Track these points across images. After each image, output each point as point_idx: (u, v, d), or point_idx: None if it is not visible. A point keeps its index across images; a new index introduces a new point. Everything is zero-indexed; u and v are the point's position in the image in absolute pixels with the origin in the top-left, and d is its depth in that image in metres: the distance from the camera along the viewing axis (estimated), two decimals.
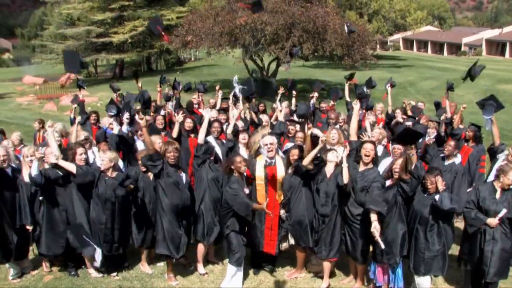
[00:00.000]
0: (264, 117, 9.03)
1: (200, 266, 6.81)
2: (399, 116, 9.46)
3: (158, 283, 6.53)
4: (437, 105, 10.34)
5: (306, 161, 6.06)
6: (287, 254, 7.04)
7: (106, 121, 8.68)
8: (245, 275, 6.58)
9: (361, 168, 6.00)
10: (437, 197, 5.45)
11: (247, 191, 6.24)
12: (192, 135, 8.12)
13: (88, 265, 6.66)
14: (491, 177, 6.85)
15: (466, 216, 5.82)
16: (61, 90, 28.24)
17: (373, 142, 6.17)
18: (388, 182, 5.97)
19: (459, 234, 6.79)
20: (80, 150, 6.46)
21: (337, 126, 8.29)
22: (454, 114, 9.20)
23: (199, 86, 11.51)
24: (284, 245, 6.68)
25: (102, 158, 6.41)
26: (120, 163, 7.54)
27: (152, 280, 6.60)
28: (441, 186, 5.51)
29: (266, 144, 6.37)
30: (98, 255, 6.48)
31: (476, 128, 8.31)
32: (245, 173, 6.33)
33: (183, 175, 6.38)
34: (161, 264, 6.98)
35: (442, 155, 7.56)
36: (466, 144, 8.34)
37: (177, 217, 6.21)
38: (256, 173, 6.40)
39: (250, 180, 6.49)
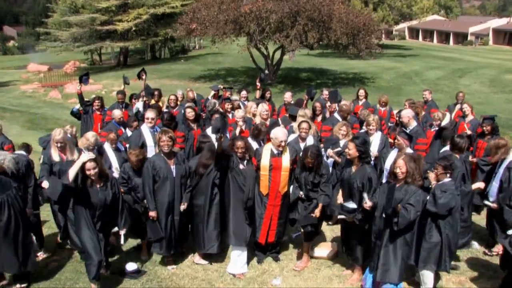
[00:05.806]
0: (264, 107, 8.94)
1: (200, 260, 6.75)
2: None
3: (162, 271, 6.55)
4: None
5: None
6: (292, 243, 7.09)
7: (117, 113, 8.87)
8: (249, 264, 6.59)
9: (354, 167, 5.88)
10: (428, 197, 5.32)
11: (241, 166, 6.28)
12: (195, 127, 8.18)
13: None
14: None
15: None
16: (66, 77, 28.31)
17: (353, 139, 5.95)
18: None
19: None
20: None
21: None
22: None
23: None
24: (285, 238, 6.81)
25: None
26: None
27: (155, 268, 6.64)
28: (433, 182, 5.38)
29: (278, 141, 6.23)
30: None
31: (491, 121, 8.04)
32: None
33: (173, 167, 6.28)
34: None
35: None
36: (481, 139, 8.09)
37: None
38: (262, 163, 6.33)
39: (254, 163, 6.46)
